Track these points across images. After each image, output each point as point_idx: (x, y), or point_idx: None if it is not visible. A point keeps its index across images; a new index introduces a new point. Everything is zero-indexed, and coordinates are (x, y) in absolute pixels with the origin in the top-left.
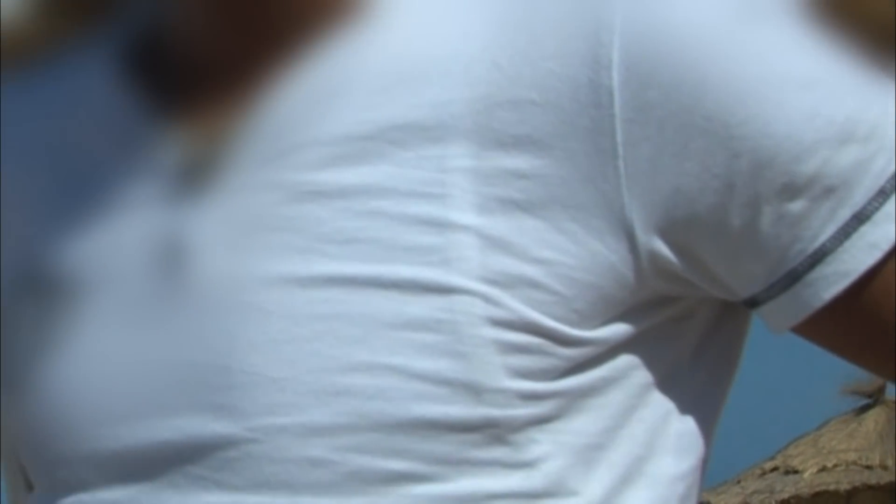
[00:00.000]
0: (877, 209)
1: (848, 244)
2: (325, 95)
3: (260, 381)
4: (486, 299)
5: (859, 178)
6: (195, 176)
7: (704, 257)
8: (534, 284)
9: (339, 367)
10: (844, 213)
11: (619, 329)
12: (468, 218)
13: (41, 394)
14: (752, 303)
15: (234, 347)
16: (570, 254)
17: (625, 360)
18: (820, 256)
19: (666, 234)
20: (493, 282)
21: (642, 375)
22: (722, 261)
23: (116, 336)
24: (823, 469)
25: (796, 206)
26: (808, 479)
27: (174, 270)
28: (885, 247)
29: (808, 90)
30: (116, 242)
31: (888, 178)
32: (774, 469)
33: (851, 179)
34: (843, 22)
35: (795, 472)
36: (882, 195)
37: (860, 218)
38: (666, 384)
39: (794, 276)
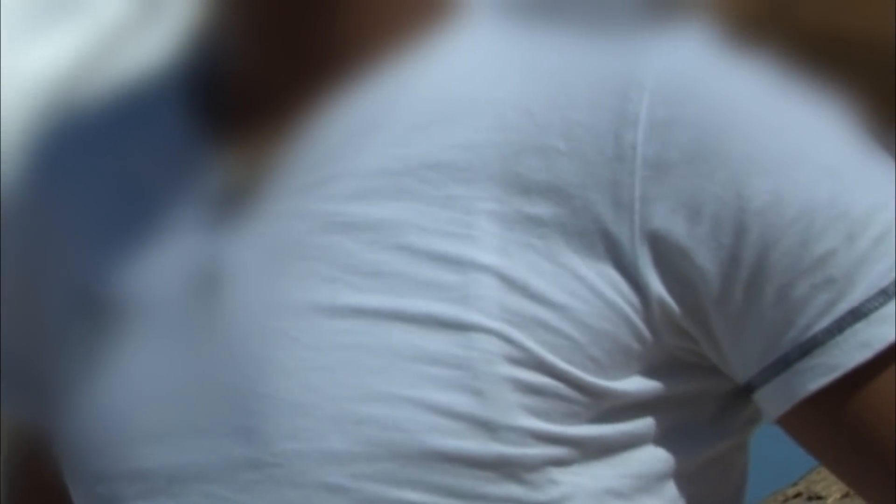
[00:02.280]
0: (875, 308)
1: (840, 339)
2: (364, 128)
3: (284, 406)
4: (503, 338)
5: (863, 274)
6: (235, 203)
7: (712, 326)
8: (549, 328)
9: (359, 396)
10: (842, 307)
11: (641, 384)
12: (489, 258)
13: (86, 412)
14: (750, 388)
15: (261, 372)
16: (585, 300)
17: (650, 420)
18: (811, 347)
19: (676, 294)
20: (510, 321)
21: (669, 438)
22: (726, 334)
23: (155, 358)
24: (847, 495)
25: (796, 290)
26: None
27: (211, 296)
28: (878, 346)
29: (828, 177)
30: (160, 267)
31: (892, 280)
32: (798, 495)
33: (855, 274)
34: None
35: (819, 497)
36: (883, 296)
37: (856, 314)
38: (691, 448)
39: (785, 363)
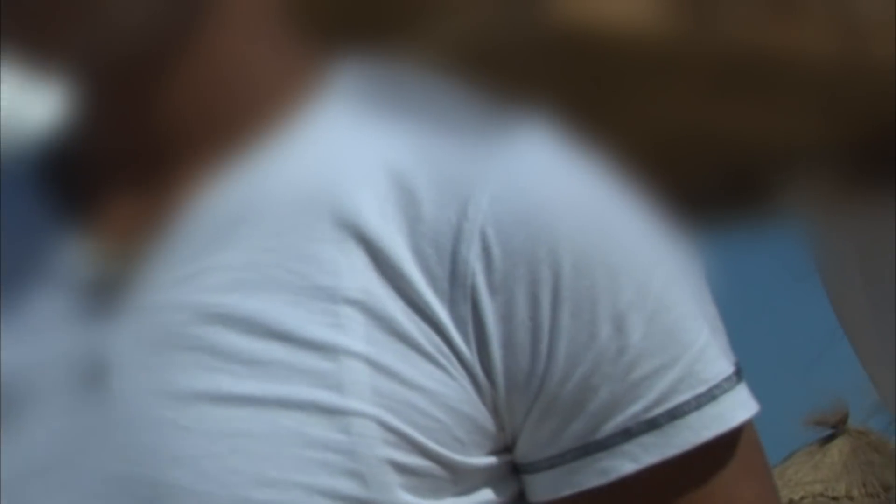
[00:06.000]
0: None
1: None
2: (233, 220)
3: (183, 494)
4: (379, 422)
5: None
6: (109, 293)
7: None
8: (420, 411)
9: (252, 483)
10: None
11: (491, 460)
12: (358, 346)
13: None
14: (525, 468)
15: (157, 461)
16: (448, 386)
17: (488, 492)
18: (598, 448)
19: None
20: (384, 406)
21: None
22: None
23: (45, 448)
24: (790, 502)
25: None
26: None
27: (97, 386)
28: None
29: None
30: (38, 355)
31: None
32: None
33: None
34: None
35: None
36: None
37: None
38: None
39: (574, 456)
